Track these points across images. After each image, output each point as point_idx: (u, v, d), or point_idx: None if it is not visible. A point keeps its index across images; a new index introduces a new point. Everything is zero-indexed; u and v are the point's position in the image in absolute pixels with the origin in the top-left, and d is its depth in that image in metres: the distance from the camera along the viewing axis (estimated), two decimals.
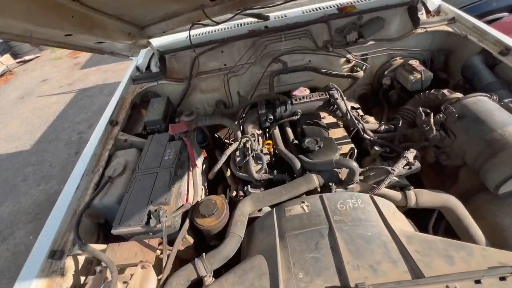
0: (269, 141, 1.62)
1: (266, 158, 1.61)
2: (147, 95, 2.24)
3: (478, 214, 1.42)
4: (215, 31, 2.18)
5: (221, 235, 1.28)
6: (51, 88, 8.05)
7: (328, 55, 2.14)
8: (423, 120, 1.54)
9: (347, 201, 1.16)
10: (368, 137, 1.65)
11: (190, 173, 1.49)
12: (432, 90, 1.74)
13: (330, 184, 1.37)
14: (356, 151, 1.54)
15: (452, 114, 1.46)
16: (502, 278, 0.82)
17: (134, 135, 1.88)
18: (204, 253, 1.14)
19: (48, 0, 1.12)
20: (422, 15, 2.08)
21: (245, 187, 1.52)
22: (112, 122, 1.81)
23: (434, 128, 1.47)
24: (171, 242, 1.20)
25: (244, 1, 1.81)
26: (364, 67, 2.14)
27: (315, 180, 1.35)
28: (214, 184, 1.87)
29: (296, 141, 1.64)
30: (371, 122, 1.81)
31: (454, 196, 1.55)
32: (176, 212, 1.22)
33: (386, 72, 2.16)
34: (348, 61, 2.20)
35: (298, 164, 1.45)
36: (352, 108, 2.02)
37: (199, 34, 2.21)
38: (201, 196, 1.64)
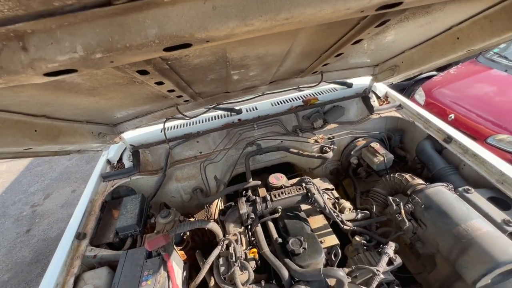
0: (254, 250, 1.58)
1: (252, 265, 1.55)
2: (118, 191, 2.12)
3: None
4: (189, 124, 2.25)
5: None
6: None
7: (300, 141, 2.29)
8: (395, 210, 1.64)
9: None
10: (348, 228, 1.70)
11: None
12: (396, 174, 1.91)
13: None
14: (339, 251, 1.55)
15: (419, 204, 1.59)
16: None
17: (104, 245, 1.71)
18: None
19: (7, 120, 1.03)
20: (374, 102, 2.39)
21: None
22: (79, 236, 1.64)
23: (406, 220, 1.56)
24: None
25: (216, 98, 1.93)
26: (331, 148, 2.31)
27: None
28: None
29: (280, 239, 1.62)
30: (347, 208, 1.88)
31: (436, 281, 1.60)
32: None
33: (352, 152, 2.34)
34: (317, 141, 2.37)
35: (286, 274, 1.40)
36: (327, 189, 2.11)
37: (174, 128, 2.25)
38: None
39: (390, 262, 1.48)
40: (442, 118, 2.08)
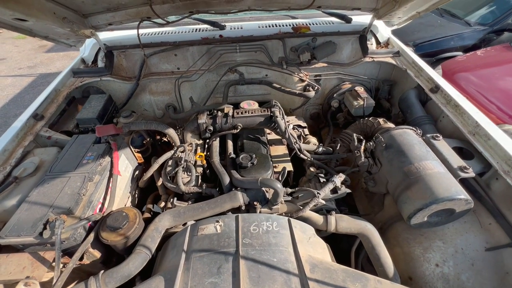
0: (201, 154, 1.57)
1: (199, 170, 1.56)
2: (88, 90, 2.09)
3: (396, 242, 1.48)
4: (167, 33, 2.11)
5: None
6: (8, 69, 7.33)
7: (283, 72, 2.15)
8: (356, 146, 1.58)
9: (262, 224, 1.13)
10: (305, 157, 1.67)
11: (111, 180, 1.38)
12: (371, 118, 1.81)
13: (255, 203, 1.35)
14: (287, 170, 1.53)
15: (381, 143, 1.51)
16: None
17: (61, 133, 1.72)
18: (102, 271, 1.04)
19: None
20: (371, 45, 2.19)
21: (172, 200, 1.45)
22: (36, 116, 1.64)
23: (363, 155, 1.51)
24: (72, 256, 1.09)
25: (196, 3, 1.77)
26: (316, 87, 2.18)
27: (240, 198, 1.32)
28: (149, 193, 1.77)
29: (233, 155, 1.60)
30: (311, 143, 1.83)
31: (379, 222, 1.61)
32: (78, 224, 1.11)
33: (335, 95, 2.22)
34: (302, 80, 2.24)
35: (227, 180, 1.41)
36: (299, 126, 2.04)
37: (151, 34, 2.12)
38: (125, 205, 1.53)
39: (335, 191, 1.47)
40: None
